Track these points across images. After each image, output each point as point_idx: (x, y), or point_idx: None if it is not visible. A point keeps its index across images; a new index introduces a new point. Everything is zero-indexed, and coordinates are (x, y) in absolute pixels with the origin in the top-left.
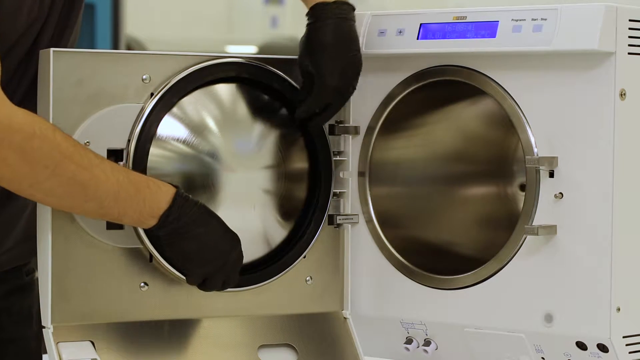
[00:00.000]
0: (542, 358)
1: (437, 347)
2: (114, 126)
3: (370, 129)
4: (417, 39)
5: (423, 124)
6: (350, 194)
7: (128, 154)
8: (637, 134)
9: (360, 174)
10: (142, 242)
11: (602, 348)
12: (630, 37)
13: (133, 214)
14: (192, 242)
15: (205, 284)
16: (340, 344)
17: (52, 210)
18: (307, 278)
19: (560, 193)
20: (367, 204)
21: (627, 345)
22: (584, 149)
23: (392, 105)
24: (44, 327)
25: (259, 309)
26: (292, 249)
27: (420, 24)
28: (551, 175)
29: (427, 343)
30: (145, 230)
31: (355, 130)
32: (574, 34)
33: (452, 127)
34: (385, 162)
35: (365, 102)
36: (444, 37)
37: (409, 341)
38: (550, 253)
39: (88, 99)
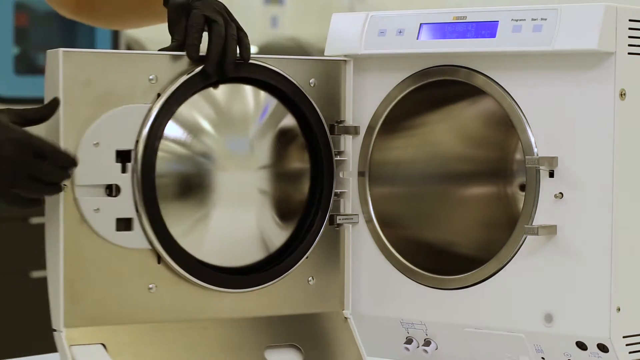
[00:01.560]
0: (542, 358)
1: (437, 347)
2: (122, 127)
3: (370, 129)
4: (417, 39)
5: (423, 124)
6: (351, 194)
7: (136, 155)
8: (637, 134)
9: (360, 173)
10: (150, 243)
11: (602, 348)
12: (630, 37)
13: None
14: None
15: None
16: (342, 344)
17: (63, 212)
18: (309, 278)
19: (560, 193)
20: (367, 204)
21: (627, 345)
22: (584, 149)
23: (392, 105)
24: (55, 331)
25: (265, 310)
26: (296, 249)
27: (420, 24)
28: (551, 175)
29: (427, 343)
30: None
31: (355, 130)
32: (574, 34)
33: (452, 127)
34: (385, 162)
35: (365, 102)
36: (443, 37)
37: (409, 341)
38: (550, 253)
39: (96, 99)
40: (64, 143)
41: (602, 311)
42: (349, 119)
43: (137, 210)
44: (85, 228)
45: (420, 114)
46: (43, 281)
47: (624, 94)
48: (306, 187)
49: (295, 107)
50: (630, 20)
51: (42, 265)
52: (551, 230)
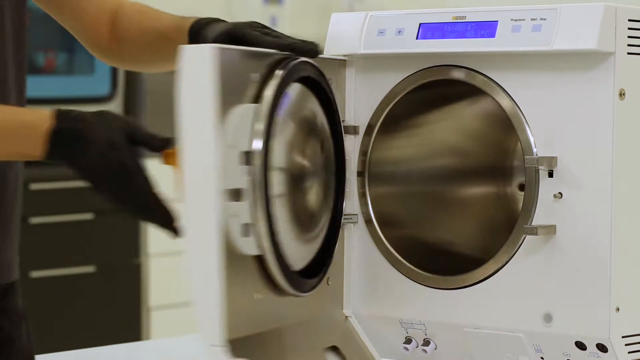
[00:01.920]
0: (542, 358)
1: (436, 346)
2: (242, 128)
3: (369, 129)
4: (416, 38)
5: (422, 123)
6: (352, 194)
7: (252, 157)
8: (636, 134)
9: (359, 173)
10: (262, 249)
11: (602, 348)
12: (629, 37)
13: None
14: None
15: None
16: (346, 344)
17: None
18: (328, 279)
19: (560, 193)
20: (367, 204)
21: (626, 345)
22: (584, 149)
23: (391, 105)
24: (210, 345)
25: (312, 313)
26: (331, 248)
27: (420, 24)
28: (550, 175)
29: (426, 343)
30: None
31: (355, 130)
32: (574, 34)
33: (451, 127)
34: (384, 162)
35: (364, 102)
36: (443, 37)
37: (408, 341)
38: (550, 253)
39: (224, 99)
40: (219, 147)
41: (601, 311)
42: (349, 119)
43: (254, 216)
44: (224, 235)
45: (420, 114)
46: (43, 281)
47: (624, 94)
48: (330, 186)
49: (329, 107)
50: (629, 20)
51: (42, 265)
52: (550, 230)
